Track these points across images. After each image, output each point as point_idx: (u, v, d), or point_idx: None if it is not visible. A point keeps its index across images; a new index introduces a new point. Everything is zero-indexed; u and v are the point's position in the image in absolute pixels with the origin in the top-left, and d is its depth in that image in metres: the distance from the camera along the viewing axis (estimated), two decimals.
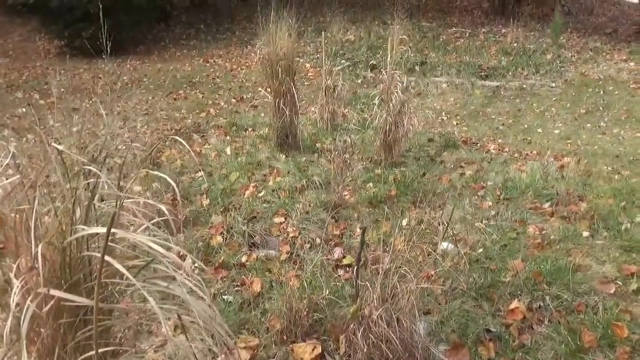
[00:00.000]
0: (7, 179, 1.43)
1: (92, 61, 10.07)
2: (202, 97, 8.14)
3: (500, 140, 6.20)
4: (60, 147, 1.43)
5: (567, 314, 2.39)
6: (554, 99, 8.35)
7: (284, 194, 3.70)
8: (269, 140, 4.98)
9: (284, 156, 4.58)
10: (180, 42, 12.47)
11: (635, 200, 3.71)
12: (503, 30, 11.87)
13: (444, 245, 2.88)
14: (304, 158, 4.56)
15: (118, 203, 1.44)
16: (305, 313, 2.25)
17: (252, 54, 10.39)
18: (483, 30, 12.13)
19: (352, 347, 2.01)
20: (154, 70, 9.97)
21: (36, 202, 1.36)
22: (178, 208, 2.77)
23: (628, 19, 13.09)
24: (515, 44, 10.83)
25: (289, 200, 3.59)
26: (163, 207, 1.45)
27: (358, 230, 3.19)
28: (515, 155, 5.32)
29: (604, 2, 14.53)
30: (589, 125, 7.09)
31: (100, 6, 2.98)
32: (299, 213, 3.36)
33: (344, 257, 2.92)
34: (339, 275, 2.72)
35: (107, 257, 1.16)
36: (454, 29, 12.27)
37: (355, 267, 2.06)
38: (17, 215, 1.38)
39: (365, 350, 1.93)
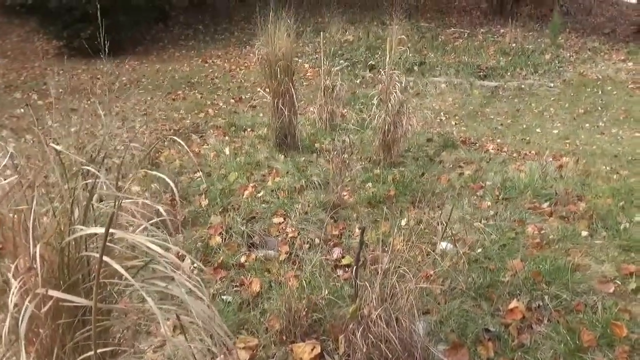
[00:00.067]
0: (5, 180, 1.43)
1: (90, 61, 10.06)
2: (201, 97, 8.14)
3: (499, 140, 6.21)
4: (58, 148, 1.42)
5: (566, 314, 2.40)
6: (552, 99, 8.35)
7: (282, 194, 3.70)
8: (268, 141, 4.97)
9: (282, 156, 4.58)
10: (178, 42, 12.47)
11: (633, 199, 3.72)
12: (501, 31, 11.88)
13: (443, 245, 2.88)
14: (303, 158, 4.56)
15: (116, 203, 1.44)
16: (304, 313, 2.25)
17: (251, 55, 10.39)
18: (481, 30, 12.14)
19: (351, 347, 2.01)
20: (153, 70, 9.96)
21: (34, 202, 1.36)
22: (177, 208, 2.77)
23: (626, 19, 13.11)
24: (513, 44, 10.84)
25: (288, 201, 3.58)
26: (160, 208, 1.44)
27: (357, 230, 3.19)
28: (514, 155, 5.32)
29: (602, 3, 14.55)
30: (587, 125, 7.10)
31: (98, 6, 2.98)
32: (298, 213, 3.36)
33: (343, 257, 2.92)
34: (338, 276, 2.72)
35: (105, 258, 1.15)
36: (453, 29, 12.28)
37: (354, 267, 2.06)
38: (16, 216, 1.38)
39: (364, 350, 1.93)
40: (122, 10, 10.30)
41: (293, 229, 3.20)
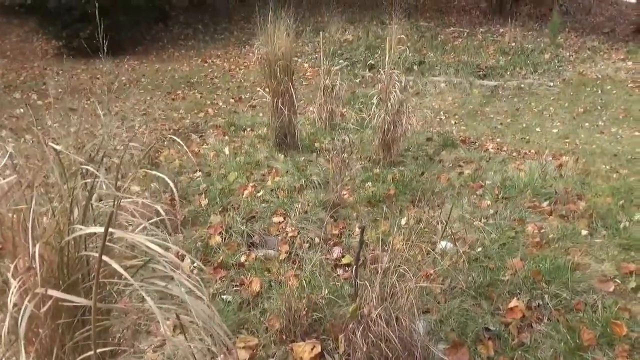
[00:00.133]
0: (4, 179, 1.43)
1: (90, 61, 10.06)
2: (201, 97, 8.13)
3: (498, 140, 6.21)
4: (57, 147, 1.42)
5: (566, 313, 2.40)
6: (552, 98, 8.35)
7: (282, 194, 3.69)
8: (268, 140, 4.97)
9: (282, 156, 4.58)
10: (178, 42, 12.46)
11: (633, 198, 3.72)
12: (501, 30, 11.88)
13: (443, 244, 2.88)
14: (303, 158, 4.56)
15: (116, 203, 1.44)
16: (304, 312, 2.25)
17: (251, 54, 10.38)
18: (481, 29, 12.14)
19: (351, 346, 2.01)
20: (152, 70, 9.95)
21: (34, 202, 1.35)
22: (176, 208, 2.77)
23: (625, 18, 13.12)
24: (513, 44, 10.84)
25: (288, 200, 3.58)
26: (160, 208, 1.44)
27: (357, 229, 3.19)
28: (514, 154, 5.32)
29: (602, 2, 14.56)
30: (587, 124, 7.10)
31: (97, 5, 2.98)
32: (297, 213, 3.35)
33: (343, 256, 2.92)
34: (338, 275, 2.72)
35: (105, 257, 1.15)
36: (452, 28, 12.28)
37: (354, 267, 2.06)
38: (15, 215, 1.37)
39: (364, 349, 1.93)
40: (121, 10, 10.30)
41: (293, 228, 3.20)
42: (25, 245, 1.33)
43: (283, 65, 4.51)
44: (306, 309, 2.26)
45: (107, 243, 1.16)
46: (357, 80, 9.04)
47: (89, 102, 6.95)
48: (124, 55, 10.12)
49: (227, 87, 8.80)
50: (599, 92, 8.43)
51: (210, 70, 10.03)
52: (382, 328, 1.91)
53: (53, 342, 1.37)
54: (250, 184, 3.89)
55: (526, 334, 2.26)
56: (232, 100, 7.91)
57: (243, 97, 8.12)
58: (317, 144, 4.99)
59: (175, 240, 2.68)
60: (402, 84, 4.47)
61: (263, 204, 3.55)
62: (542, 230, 3.23)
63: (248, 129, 5.73)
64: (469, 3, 14.83)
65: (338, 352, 2.09)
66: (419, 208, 3.40)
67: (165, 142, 5.02)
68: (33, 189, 1.38)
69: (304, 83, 8.84)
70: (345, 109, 6.52)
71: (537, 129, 6.89)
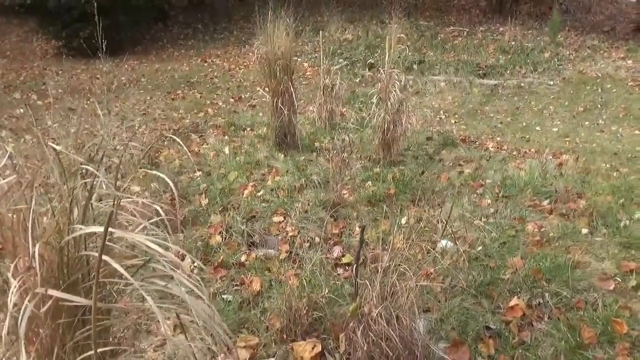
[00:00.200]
0: (4, 179, 1.43)
1: (89, 61, 10.06)
2: (200, 96, 8.13)
3: (498, 139, 6.20)
4: (57, 147, 1.42)
5: (566, 311, 2.40)
6: (552, 97, 8.35)
7: (282, 193, 3.69)
8: (268, 140, 4.97)
9: (282, 155, 4.58)
10: (178, 42, 12.46)
11: (633, 197, 3.72)
12: (501, 29, 11.87)
13: (443, 243, 2.88)
14: (303, 157, 4.56)
15: (115, 202, 1.44)
16: (304, 312, 2.24)
17: (250, 54, 10.37)
18: (481, 28, 12.13)
19: (352, 345, 2.00)
20: (152, 70, 9.95)
21: (33, 201, 1.35)
22: (176, 208, 2.76)
23: (625, 17, 13.11)
24: (513, 43, 10.84)
25: (288, 200, 3.58)
26: (159, 208, 1.44)
27: (357, 228, 3.19)
28: (514, 153, 5.32)
29: (602, 1, 14.54)
30: (587, 123, 7.09)
31: (95, 5, 2.98)
32: (298, 212, 3.35)
33: (343, 255, 2.92)
34: (338, 274, 2.72)
35: (105, 257, 1.15)
36: (452, 27, 12.27)
37: (355, 266, 2.06)
38: (15, 215, 1.37)
39: (365, 348, 1.93)
40: (121, 10, 10.29)
41: (293, 228, 3.20)
42: (25, 245, 1.33)
43: (283, 65, 4.51)
44: (307, 308, 2.25)
45: (107, 243, 1.16)
46: (357, 80, 9.03)
47: (88, 102, 6.95)
48: (123, 55, 10.11)
49: (227, 87, 8.80)
50: (599, 90, 8.43)
51: (210, 69, 10.03)
52: (382, 327, 1.91)
53: (53, 342, 1.37)
54: (251, 184, 3.89)
55: (527, 333, 2.26)
56: (232, 100, 7.91)
57: (243, 96, 8.12)
58: (317, 144, 4.99)
59: (175, 239, 2.68)
60: (402, 83, 4.47)
61: (263, 204, 3.55)
62: (543, 229, 3.23)
63: (248, 129, 5.73)
64: (469, 2, 14.82)
65: (339, 351, 2.09)
66: (419, 207, 3.40)
67: (165, 142, 5.02)
68: (33, 189, 1.38)
69: (303, 82, 8.84)
70: (345, 109, 6.52)
71: (537, 128, 6.88)
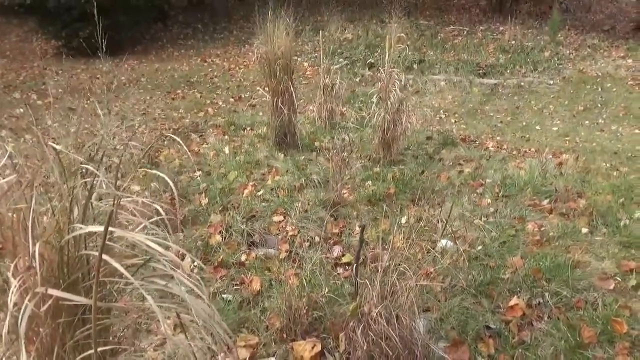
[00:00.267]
0: (4, 179, 1.43)
1: (89, 61, 10.06)
2: (200, 96, 8.13)
3: (498, 138, 6.20)
4: (57, 147, 1.42)
5: (566, 310, 2.40)
6: (552, 96, 8.35)
7: (282, 193, 3.69)
8: (268, 139, 4.97)
9: (282, 155, 4.58)
10: (177, 41, 12.46)
11: (633, 196, 3.72)
12: (501, 28, 11.87)
13: (443, 242, 2.88)
14: (303, 157, 4.56)
15: (115, 202, 1.44)
16: (304, 311, 2.25)
17: (250, 53, 10.37)
18: (481, 28, 12.13)
19: (351, 344, 2.01)
20: (152, 70, 9.95)
21: (33, 201, 1.35)
22: (176, 207, 2.76)
23: (625, 16, 13.10)
24: (513, 42, 10.83)
25: (288, 199, 3.58)
26: (159, 206, 1.44)
27: (357, 228, 3.19)
28: (514, 152, 5.32)
29: (602, 0, 14.54)
30: (587, 122, 7.09)
31: (95, 4, 2.98)
32: (297, 212, 3.35)
33: (343, 255, 2.92)
34: (338, 274, 2.72)
35: (105, 256, 1.15)
36: (452, 27, 12.27)
37: (355, 265, 2.06)
38: (15, 215, 1.37)
39: (364, 347, 1.93)
40: (121, 10, 10.29)
41: (293, 227, 3.20)
42: (26, 244, 1.33)
43: (283, 64, 4.51)
44: (306, 307, 2.26)
45: (107, 242, 1.16)
46: (357, 79, 9.03)
47: (88, 101, 6.95)
48: (123, 55, 10.11)
49: (227, 87, 8.80)
50: (599, 89, 8.43)
51: (209, 69, 10.03)
52: (382, 326, 1.91)
53: (53, 341, 1.37)
54: (250, 183, 3.89)
55: (527, 332, 2.26)
56: (231, 100, 7.91)
57: (243, 96, 8.12)
58: (317, 143, 4.99)
59: (175, 239, 2.68)
60: (402, 83, 4.47)
61: (263, 203, 3.55)
62: (543, 228, 3.23)
63: (248, 128, 5.73)
64: (469, 1, 14.81)
65: (338, 351, 2.09)
66: (419, 206, 3.40)
67: (165, 142, 5.02)
68: (33, 189, 1.38)
69: (303, 82, 8.84)
70: (345, 108, 6.51)
71: (537, 127, 6.88)
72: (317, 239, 3.08)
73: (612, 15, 13.35)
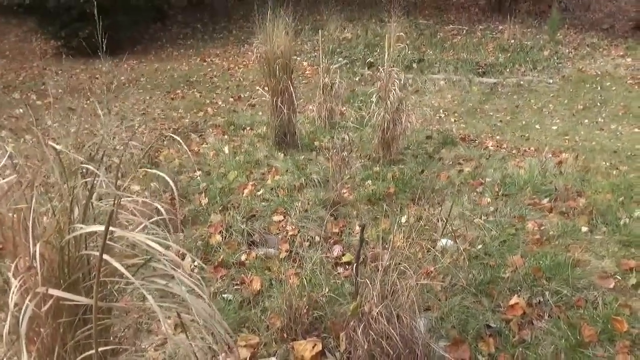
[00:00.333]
0: (4, 179, 1.43)
1: (89, 61, 10.05)
2: (200, 96, 8.13)
3: (498, 137, 6.20)
4: (57, 147, 1.42)
5: (566, 309, 2.40)
6: (551, 95, 8.35)
7: (282, 193, 3.69)
8: (267, 139, 4.97)
9: (282, 155, 4.58)
10: (177, 41, 12.45)
11: (633, 195, 3.72)
12: (500, 27, 11.87)
13: (443, 241, 2.88)
14: (303, 156, 4.56)
15: (116, 202, 1.44)
16: (305, 311, 2.25)
17: (250, 53, 10.36)
18: (480, 27, 12.13)
19: (352, 344, 2.01)
20: (151, 69, 9.95)
21: (34, 201, 1.35)
22: (176, 207, 2.76)
23: (624, 15, 13.10)
24: (512, 41, 10.83)
25: (288, 199, 3.58)
26: (159, 206, 1.44)
27: (357, 227, 3.19)
28: (514, 151, 5.32)
29: None
30: (586, 121, 7.09)
31: (95, 4, 2.97)
32: (297, 211, 3.35)
33: (343, 254, 2.92)
34: (338, 273, 2.73)
35: (105, 256, 1.15)
36: (451, 26, 12.27)
37: (355, 265, 2.06)
38: (15, 215, 1.37)
39: (365, 347, 1.93)
40: (120, 10, 10.28)
41: (293, 227, 3.20)
42: (26, 244, 1.33)
43: (282, 64, 4.50)
44: (307, 307, 2.26)
45: (107, 242, 1.16)
46: (357, 79, 9.03)
47: (88, 101, 6.95)
48: (122, 55, 10.11)
49: (227, 86, 8.80)
50: (599, 88, 8.43)
51: (209, 69, 10.03)
52: (383, 326, 1.91)
53: (54, 341, 1.37)
54: (250, 183, 3.89)
55: (527, 331, 2.26)
56: (231, 99, 7.90)
57: (242, 96, 8.12)
58: (316, 143, 4.99)
59: (175, 239, 2.68)
60: (402, 82, 4.47)
61: (263, 203, 3.55)
62: (542, 227, 3.23)
63: (247, 128, 5.73)
64: (468, 0, 14.81)
65: (339, 350, 2.09)
66: (419, 206, 3.40)
67: (165, 142, 5.02)
68: (33, 189, 1.38)
69: (303, 81, 8.83)
70: (344, 107, 6.51)
71: (537, 126, 6.88)
72: (317, 238, 3.08)
73: (611, 14, 13.35)
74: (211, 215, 3.32)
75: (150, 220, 1.49)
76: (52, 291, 1.25)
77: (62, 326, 1.36)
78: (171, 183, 1.61)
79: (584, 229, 3.18)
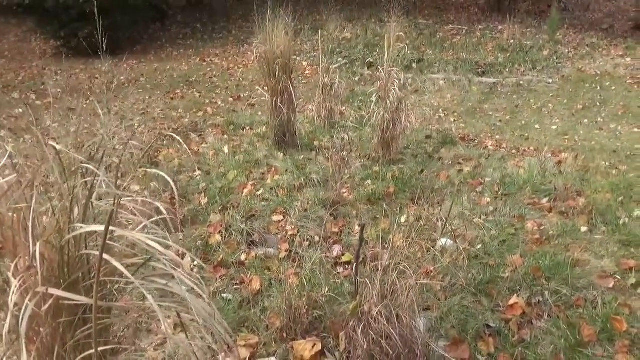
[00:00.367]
0: (4, 179, 1.43)
1: (88, 61, 10.05)
2: (199, 96, 8.13)
3: (497, 137, 6.21)
4: (57, 147, 1.42)
5: (566, 309, 2.40)
6: (551, 95, 8.35)
7: (282, 192, 3.69)
8: (267, 139, 4.97)
9: (282, 154, 4.58)
10: (176, 41, 12.45)
11: (633, 195, 3.72)
12: (500, 27, 11.87)
13: (443, 241, 2.88)
14: (302, 156, 4.56)
15: (116, 201, 1.44)
16: (304, 310, 2.25)
17: (249, 53, 10.36)
18: (480, 27, 12.13)
19: (352, 343, 2.01)
20: (151, 69, 9.94)
21: (34, 201, 1.36)
22: (176, 207, 2.76)
23: (624, 14, 13.11)
24: (512, 41, 10.83)
25: (288, 199, 3.58)
26: (160, 205, 1.44)
27: (357, 227, 3.19)
28: (513, 151, 5.33)
29: None
30: (586, 120, 7.10)
31: (95, 3, 2.97)
32: (297, 211, 3.35)
33: (343, 254, 2.92)
34: (338, 273, 2.73)
35: (105, 255, 1.15)
36: (451, 26, 12.27)
37: (355, 264, 2.06)
38: (15, 215, 1.37)
39: (365, 346, 1.93)
40: (119, 10, 10.27)
41: (293, 227, 3.20)
42: (26, 244, 1.33)
43: (282, 64, 4.50)
44: (306, 307, 2.26)
45: (107, 241, 1.16)
46: (356, 79, 9.03)
47: (88, 101, 6.95)
48: (122, 55, 10.11)
49: (226, 86, 8.80)
50: (598, 88, 8.43)
51: (209, 69, 10.02)
52: (382, 325, 1.91)
53: (54, 341, 1.37)
54: (250, 183, 3.89)
55: (526, 331, 2.27)
56: (231, 99, 7.90)
57: (242, 95, 8.12)
58: (316, 143, 4.99)
59: (175, 238, 2.69)
60: (401, 82, 4.47)
61: (263, 203, 3.55)
62: (542, 227, 3.23)
63: (247, 128, 5.73)
64: (467, 0, 14.81)
65: (339, 350, 2.09)
66: (419, 206, 3.40)
67: (165, 141, 5.02)
68: (33, 188, 1.38)
69: (302, 81, 8.83)
70: (344, 107, 6.51)
71: (536, 126, 6.89)
72: (316, 238, 3.08)
73: (610, 14, 13.35)
74: (211, 215, 3.32)
75: (150, 220, 1.49)
76: (52, 291, 1.25)
77: (62, 326, 1.36)
78: (171, 183, 1.61)
79: (584, 228, 3.19)
